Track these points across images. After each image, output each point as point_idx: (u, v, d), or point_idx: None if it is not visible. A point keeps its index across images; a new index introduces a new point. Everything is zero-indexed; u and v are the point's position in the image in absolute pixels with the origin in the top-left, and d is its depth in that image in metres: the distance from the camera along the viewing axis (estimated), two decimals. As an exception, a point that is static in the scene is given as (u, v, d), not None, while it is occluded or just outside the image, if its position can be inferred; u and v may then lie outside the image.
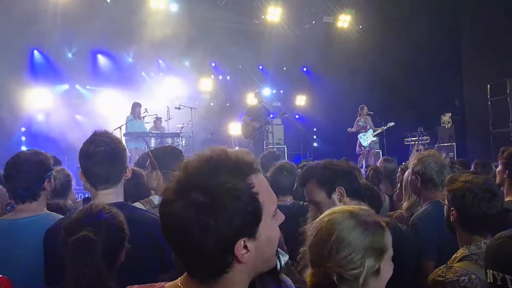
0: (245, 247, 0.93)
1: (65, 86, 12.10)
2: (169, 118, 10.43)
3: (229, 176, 0.92)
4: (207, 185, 0.90)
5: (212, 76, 14.15)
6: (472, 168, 4.20)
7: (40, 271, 1.84)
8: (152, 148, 6.28)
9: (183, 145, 10.08)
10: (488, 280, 1.36)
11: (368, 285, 1.20)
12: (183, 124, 10.93)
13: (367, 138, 10.57)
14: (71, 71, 11.75)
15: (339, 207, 1.36)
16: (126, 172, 2.04)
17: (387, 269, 1.26)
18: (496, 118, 9.93)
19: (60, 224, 1.75)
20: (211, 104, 14.12)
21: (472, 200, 1.82)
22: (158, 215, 0.98)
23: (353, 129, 10.75)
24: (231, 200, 0.90)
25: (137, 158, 9.06)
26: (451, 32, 11.68)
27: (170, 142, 9.55)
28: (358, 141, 10.64)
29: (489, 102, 10.12)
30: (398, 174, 4.15)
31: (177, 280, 1.02)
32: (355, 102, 11.31)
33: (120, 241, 1.59)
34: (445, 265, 1.80)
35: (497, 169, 3.07)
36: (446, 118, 11.56)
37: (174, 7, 11.49)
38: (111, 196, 1.95)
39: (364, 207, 1.37)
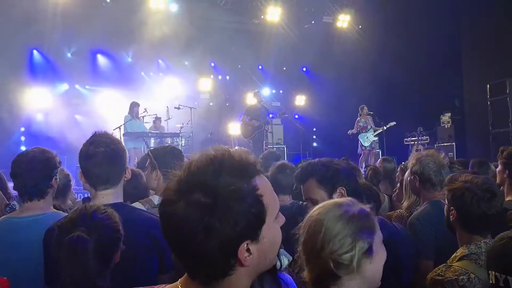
0: (248, 250, 0.91)
1: (65, 86, 12.10)
2: (169, 118, 10.43)
3: (234, 178, 0.91)
4: (211, 186, 0.89)
5: (212, 76, 14.15)
6: (469, 168, 4.19)
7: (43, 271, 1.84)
8: (152, 148, 6.29)
9: (183, 145, 10.08)
10: (490, 281, 1.36)
11: (362, 267, 1.25)
12: (182, 124, 10.93)
13: (367, 138, 10.58)
14: (70, 71, 11.75)
15: (325, 201, 1.41)
16: (125, 173, 2.04)
17: (380, 252, 1.30)
18: (496, 118, 9.93)
19: (59, 224, 1.75)
20: (211, 104, 14.12)
21: (471, 199, 1.83)
22: (158, 215, 0.97)
23: (354, 131, 10.76)
24: (236, 201, 0.88)
25: (136, 158, 9.10)
26: (450, 32, 11.68)
27: (169, 142, 9.54)
28: (359, 141, 10.66)
29: (489, 102, 10.12)
30: (397, 174, 4.15)
31: (177, 282, 1.01)
32: (355, 102, 11.31)
33: (115, 241, 1.57)
34: (444, 264, 1.80)
35: (497, 169, 3.07)
36: (446, 118, 11.56)
37: (174, 7, 11.48)
38: (110, 196, 1.95)
39: (348, 198, 1.43)
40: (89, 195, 2.26)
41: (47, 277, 1.81)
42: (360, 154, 10.63)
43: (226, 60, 13.76)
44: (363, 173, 4.40)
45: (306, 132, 12.78)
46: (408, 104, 11.81)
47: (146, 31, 10.83)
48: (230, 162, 0.93)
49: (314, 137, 15.16)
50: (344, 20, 12.68)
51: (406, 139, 11.66)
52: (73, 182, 3.52)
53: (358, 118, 10.80)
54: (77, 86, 12.33)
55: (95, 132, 2.00)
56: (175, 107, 10.30)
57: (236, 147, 0.99)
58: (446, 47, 11.66)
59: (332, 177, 2.05)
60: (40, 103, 11.08)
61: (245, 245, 0.91)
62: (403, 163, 4.19)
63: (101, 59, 12.65)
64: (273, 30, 12.45)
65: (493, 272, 1.34)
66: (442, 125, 11.63)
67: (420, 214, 2.55)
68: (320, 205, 1.38)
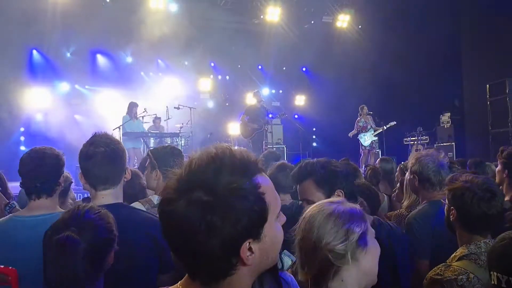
0: (250, 249, 0.90)
1: (64, 86, 12.09)
2: (168, 118, 10.42)
3: (236, 176, 0.90)
4: (213, 184, 0.88)
5: (212, 76, 14.14)
6: (467, 168, 4.20)
7: None
8: (152, 148, 6.28)
9: (182, 145, 10.07)
10: (492, 282, 1.35)
11: (357, 257, 1.29)
12: (182, 124, 10.92)
13: (367, 138, 10.59)
14: (70, 71, 11.75)
15: (316, 203, 1.44)
16: (125, 173, 2.04)
17: (373, 245, 1.34)
18: (495, 118, 9.94)
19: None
20: (211, 104, 14.13)
21: (472, 199, 1.83)
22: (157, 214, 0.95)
23: (354, 131, 10.76)
24: (238, 200, 0.87)
25: (135, 158, 9.11)
26: (450, 32, 11.69)
27: (169, 142, 9.54)
28: (359, 141, 10.67)
29: (488, 102, 10.14)
30: (396, 174, 4.15)
31: (177, 284, 0.99)
32: (355, 102, 11.31)
33: (108, 243, 1.55)
34: (444, 263, 1.80)
35: (497, 169, 3.08)
36: (445, 118, 11.58)
37: (174, 7, 11.48)
38: (110, 196, 1.95)
39: (341, 198, 1.49)
40: (89, 195, 2.26)
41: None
42: (361, 154, 10.64)
43: (226, 60, 13.76)
44: (363, 173, 4.40)
45: (306, 132, 12.79)
46: (408, 104, 11.83)
47: (146, 31, 10.82)
48: (231, 160, 0.92)
49: (314, 137, 15.17)
50: (344, 20, 12.68)
51: (405, 139, 11.68)
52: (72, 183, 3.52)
53: (358, 118, 10.81)
54: (77, 86, 12.32)
55: (95, 132, 2.00)
56: (174, 107, 10.30)
57: (236, 147, 0.98)
58: (446, 47, 11.67)
59: (330, 179, 2.02)
60: (39, 103, 11.08)
61: (247, 244, 0.89)
62: (402, 163, 4.19)
63: (100, 59, 12.65)
64: (273, 30, 12.45)
65: (495, 273, 1.33)
66: (441, 125, 11.64)
67: (417, 213, 2.56)
68: (312, 206, 1.42)
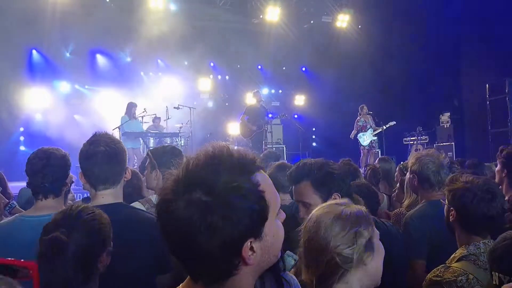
0: (251, 248, 0.89)
1: (64, 86, 12.08)
2: (168, 118, 10.42)
3: (235, 174, 0.88)
4: (212, 184, 0.86)
5: (211, 76, 14.14)
6: (465, 168, 4.20)
7: None
8: (152, 148, 6.28)
9: (182, 144, 10.06)
10: (494, 282, 1.35)
11: (364, 261, 1.29)
12: (182, 123, 10.92)
13: (366, 138, 10.58)
14: (70, 71, 11.75)
15: (321, 205, 1.44)
16: (125, 173, 2.04)
17: (379, 248, 1.34)
18: (495, 118, 9.95)
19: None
20: (210, 103, 14.12)
21: (472, 200, 1.82)
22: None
23: (354, 131, 10.76)
24: (238, 199, 0.85)
25: (134, 158, 9.11)
26: (450, 31, 11.69)
27: (169, 142, 9.54)
28: (359, 141, 10.67)
29: (488, 102, 10.14)
30: (396, 174, 4.15)
31: (179, 286, 0.98)
32: (354, 102, 11.32)
33: (101, 243, 1.52)
34: (443, 265, 1.80)
35: (496, 168, 3.08)
36: (445, 117, 11.57)
37: (173, 7, 11.47)
38: (110, 196, 1.95)
39: (344, 199, 1.48)
40: (89, 195, 2.26)
41: None
42: (361, 154, 10.64)
43: (225, 60, 13.76)
44: (363, 173, 4.40)
45: (306, 132, 12.78)
46: (407, 103, 11.82)
47: (145, 31, 10.82)
48: (229, 158, 0.90)
49: (314, 136, 15.17)
50: (343, 20, 12.67)
51: (405, 138, 11.68)
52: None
53: (358, 118, 10.80)
54: (76, 86, 12.32)
55: (96, 132, 2.00)
56: (174, 107, 10.29)
57: (235, 147, 0.98)
58: (445, 46, 11.67)
59: (328, 182, 1.98)
60: (39, 103, 11.08)
61: (249, 243, 0.88)
62: (402, 163, 4.19)
63: (100, 59, 12.64)
64: (273, 30, 12.44)
65: (496, 274, 1.33)
66: (441, 124, 11.64)
67: (415, 213, 2.56)
68: (318, 207, 1.42)
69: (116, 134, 8.31)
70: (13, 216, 2.21)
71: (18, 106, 10.45)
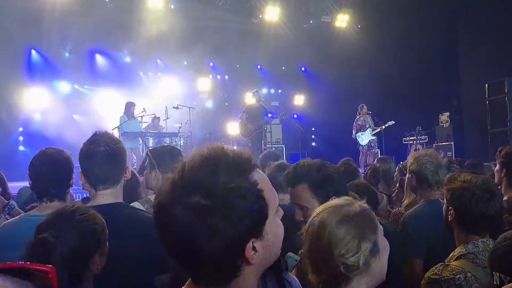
0: (253, 248, 0.88)
1: (63, 86, 12.07)
2: (167, 118, 10.42)
3: (232, 175, 0.87)
4: (210, 186, 0.85)
5: (210, 76, 14.14)
6: (465, 168, 4.20)
7: None
8: (151, 148, 6.28)
9: (181, 144, 10.07)
10: (494, 283, 1.35)
11: (370, 266, 1.26)
12: (181, 123, 10.92)
13: (365, 137, 10.59)
14: (69, 71, 11.74)
15: (323, 206, 1.40)
16: (126, 172, 2.04)
17: (384, 247, 1.32)
18: (494, 118, 9.95)
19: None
20: (210, 103, 14.12)
21: (470, 200, 1.82)
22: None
23: (354, 131, 10.76)
24: (237, 199, 0.85)
25: (134, 157, 9.10)
26: (449, 31, 11.71)
27: (168, 142, 9.54)
28: (357, 140, 10.68)
29: (487, 102, 10.14)
30: (395, 174, 4.15)
31: None
32: (354, 102, 11.32)
33: (94, 244, 1.50)
34: (441, 263, 1.80)
35: (495, 168, 3.08)
36: (444, 117, 11.58)
37: (172, 6, 11.47)
38: (110, 196, 1.94)
39: (345, 198, 1.44)
40: (88, 194, 2.26)
41: None
42: (360, 154, 10.65)
43: (224, 60, 13.76)
44: (363, 173, 4.40)
45: (305, 132, 12.79)
46: (406, 103, 11.82)
47: (145, 31, 10.82)
48: (225, 159, 0.90)
49: (313, 136, 15.18)
50: (343, 20, 12.67)
51: (404, 138, 11.69)
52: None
53: (357, 117, 10.80)
54: (76, 86, 12.31)
55: (96, 131, 1.99)
56: (173, 107, 10.29)
57: (235, 147, 0.98)
58: (445, 46, 11.68)
59: (325, 185, 1.95)
60: (38, 103, 11.06)
61: (251, 243, 0.87)
62: (401, 163, 4.20)
63: (99, 59, 12.64)
64: (272, 29, 12.44)
65: (497, 274, 1.33)
66: (440, 124, 11.65)
67: (413, 212, 2.57)
68: (319, 209, 1.38)
69: (115, 134, 8.31)
70: (18, 216, 2.22)
71: (17, 106, 10.43)
